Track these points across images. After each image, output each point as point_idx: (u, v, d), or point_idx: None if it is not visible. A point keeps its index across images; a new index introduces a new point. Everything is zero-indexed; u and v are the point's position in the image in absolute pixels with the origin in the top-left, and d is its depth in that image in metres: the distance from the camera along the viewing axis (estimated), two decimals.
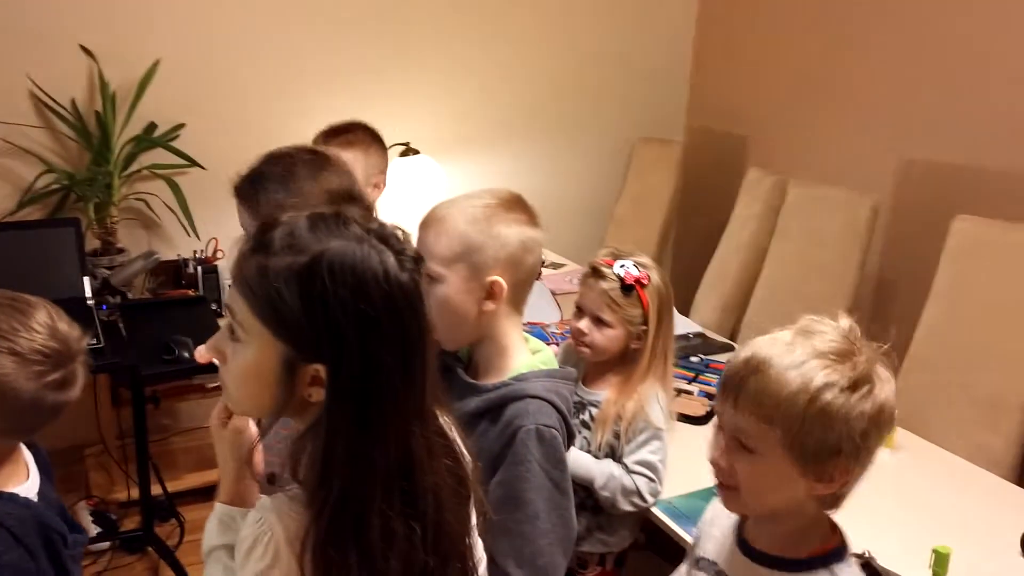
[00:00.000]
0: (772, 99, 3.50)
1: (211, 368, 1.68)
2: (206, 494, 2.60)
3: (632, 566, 1.89)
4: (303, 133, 2.09)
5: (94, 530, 2.56)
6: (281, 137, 1.60)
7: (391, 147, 3.24)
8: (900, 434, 1.95)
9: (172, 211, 2.92)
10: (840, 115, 3.19)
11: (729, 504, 1.07)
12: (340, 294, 0.86)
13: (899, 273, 2.93)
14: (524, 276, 1.32)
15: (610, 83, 3.75)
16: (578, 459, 1.66)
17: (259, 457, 1.10)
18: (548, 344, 1.50)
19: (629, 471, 1.67)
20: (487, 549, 1.11)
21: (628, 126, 3.80)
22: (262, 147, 1.46)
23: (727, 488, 1.04)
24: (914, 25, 2.89)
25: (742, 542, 1.11)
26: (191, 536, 2.58)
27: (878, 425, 0.98)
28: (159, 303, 2.68)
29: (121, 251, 2.81)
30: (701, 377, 2.28)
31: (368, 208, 1.49)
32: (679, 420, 1.92)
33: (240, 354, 0.92)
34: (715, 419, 1.06)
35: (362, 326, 0.86)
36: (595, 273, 1.75)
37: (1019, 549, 1.56)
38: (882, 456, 1.91)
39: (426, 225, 1.31)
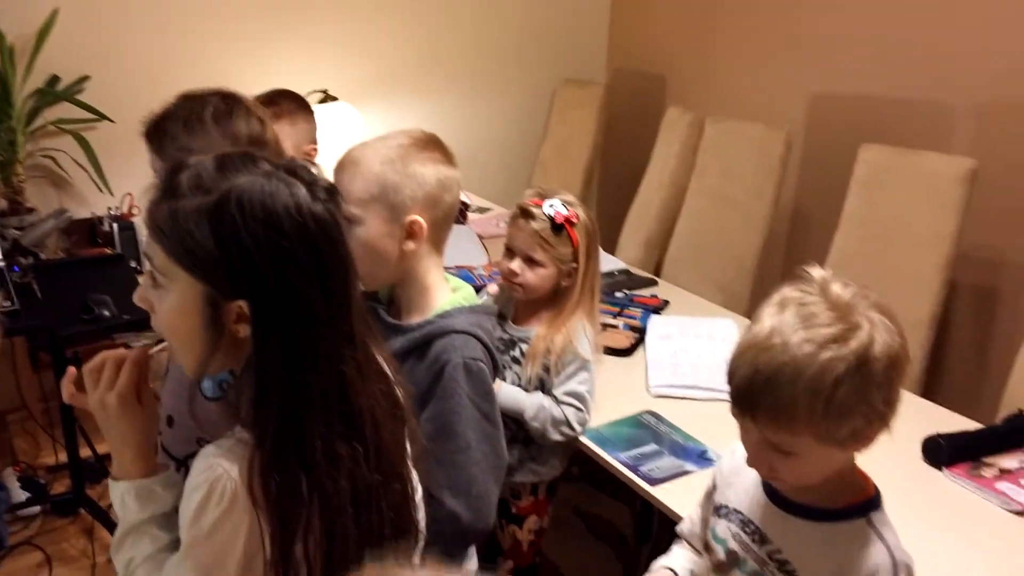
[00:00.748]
0: (688, 38, 3.54)
1: (131, 326, 1.65)
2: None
3: (566, 496, 1.97)
4: (215, 80, 2.03)
5: (23, 496, 2.51)
6: (191, 85, 1.55)
7: (308, 94, 3.18)
8: None
9: (82, 167, 2.81)
10: (752, 51, 3.26)
11: (777, 485, 1.06)
12: (252, 229, 0.87)
13: (813, 204, 3.04)
14: (443, 215, 1.33)
15: (531, 25, 3.73)
16: (508, 392, 1.70)
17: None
18: (476, 287, 1.52)
19: (558, 402, 1.73)
20: (421, 481, 1.15)
21: (550, 68, 3.80)
22: (172, 96, 1.41)
23: (772, 478, 1.04)
24: None
25: (772, 492, 1.09)
26: None
27: (894, 379, 0.96)
28: (74, 262, 2.60)
29: (31, 211, 2.71)
30: (626, 311, 2.34)
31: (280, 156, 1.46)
32: (605, 353, 1.98)
33: (165, 300, 0.93)
34: (739, 429, 1.03)
35: (277, 258, 0.88)
36: (524, 214, 1.77)
37: (921, 456, 1.68)
38: None
39: (341, 168, 1.31)
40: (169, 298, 0.92)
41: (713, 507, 1.19)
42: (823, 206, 2.79)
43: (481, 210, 3.27)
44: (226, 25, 3.07)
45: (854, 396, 0.93)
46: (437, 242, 1.35)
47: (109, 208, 2.85)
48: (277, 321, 0.89)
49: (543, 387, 1.76)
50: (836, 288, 0.98)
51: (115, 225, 2.74)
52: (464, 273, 2.50)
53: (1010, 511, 1.52)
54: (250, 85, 2.34)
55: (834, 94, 2.97)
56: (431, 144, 1.33)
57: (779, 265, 3.09)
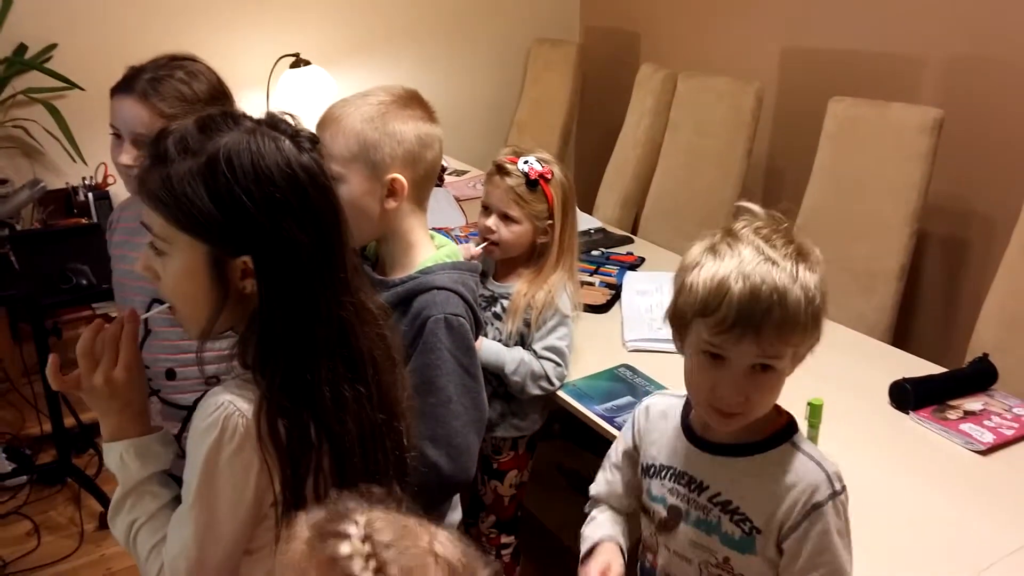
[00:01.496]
0: None
1: (110, 294, 1.66)
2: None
3: (548, 453, 2.01)
4: (184, 47, 2.01)
5: (8, 467, 2.53)
6: (159, 52, 1.55)
7: (280, 59, 3.16)
8: None
9: (54, 137, 2.79)
10: (724, 5, 3.26)
11: (728, 427, 1.05)
12: (244, 184, 0.90)
13: (785, 158, 3.07)
14: (424, 172, 1.35)
15: None
16: (489, 347, 1.73)
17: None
18: None
19: (538, 356, 1.76)
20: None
21: (523, 28, 3.78)
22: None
23: (730, 416, 1.03)
24: None
25: (697, 440, 1.11)
26: None
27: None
28: (50, 233, 2.60)
29: (4, 182, 2.69)
30: (602, 269, 2.38)
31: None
32: (583, 310, 2.01)
33: (169, 266, 0.95)
34: (715, 361, 1.01)
35: (273, 211, 0.91)
36: (499, 170, 1.79)
37: (887, 399, 1.73)
38: None
39: (322, 126, 1.32)
40: (173, 264, 0.95)
41: (641, 469, 1.19)
42: (796, 160, 2.82)
43: (458, 173, 3.27)
44: None
45: (822, 309, 1.00)
46: (420, 200, 1.36)
47: (84, 178, 2.84)
48: (280, 272, 0.93)
49: (523, 342, 1.79)
50: (763, 213, 1.05)
51: (90, 195, 2.73)
52: (442, 234, 2.51)
53: (973, 451, 1.58)
54: (220, 51, 2.33)
55: (805, 48, 2.98)
56: (412, 101, 1.34)
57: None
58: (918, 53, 2.60)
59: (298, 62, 3.23)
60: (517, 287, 1.80)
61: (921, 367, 1.87)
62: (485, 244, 1.80)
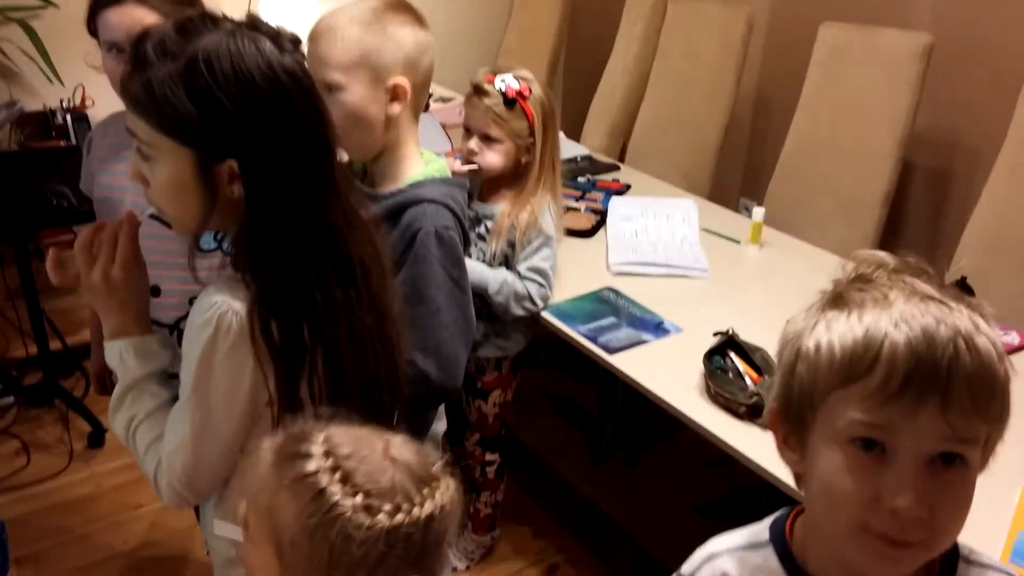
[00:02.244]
0: None
1: (90, 216, 1.66)
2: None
3: (534, 379, 2.02)
4: None
5: None
6: None
7: None
8: (766, 232, 2.11)
9: (31, 58, 2.72)
10: None
11: (899, 568, 0.68)
12: (225, 87, 0.89)
13: (775, 87, 3.03)
14: (423, 79, 1.33)
15: None
16: (473, 268, 1.73)
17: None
18: None
19: (521, 277, 1.77)
20: None
21: None
22: None
23: (905, 545, 0.65)
24: None
25: None
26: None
27: None
28: (29, 154, 2.56)
29: None
30: (588, 195, 2.37)
31: None
32: (567, 235, 2.01)
33: (157, 172, 0.95)
34: (872, 456, 0.65)
35: (255, 113, 0.91)
36: (477, 91, 1.78)
37: None
38: (747, 251, 2.09)
39: (316, 37, 1.29)
40: (160, 169, 0.94)
41: None
42: (785, 89, 2.79)
43: (444, 99, 3.23)
44: None
45: (1011, 377, 0.66)
46: (416, 109, 1.35)
47: (61, 100, 2.78)
48: (266, 175, 0.93)
49: (507, 263, 1.80)
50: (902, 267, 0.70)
51: (68, 117, 2.68)
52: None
53: None
54: None
55: None
56: (403, 7, 1.32)
57: (743, 149, 3.12)
58: None
59: None
60: (501, 207, 1.80)
61: None
62: (469, 166, 1.79)
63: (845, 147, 2.40)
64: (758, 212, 2.10)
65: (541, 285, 1.77)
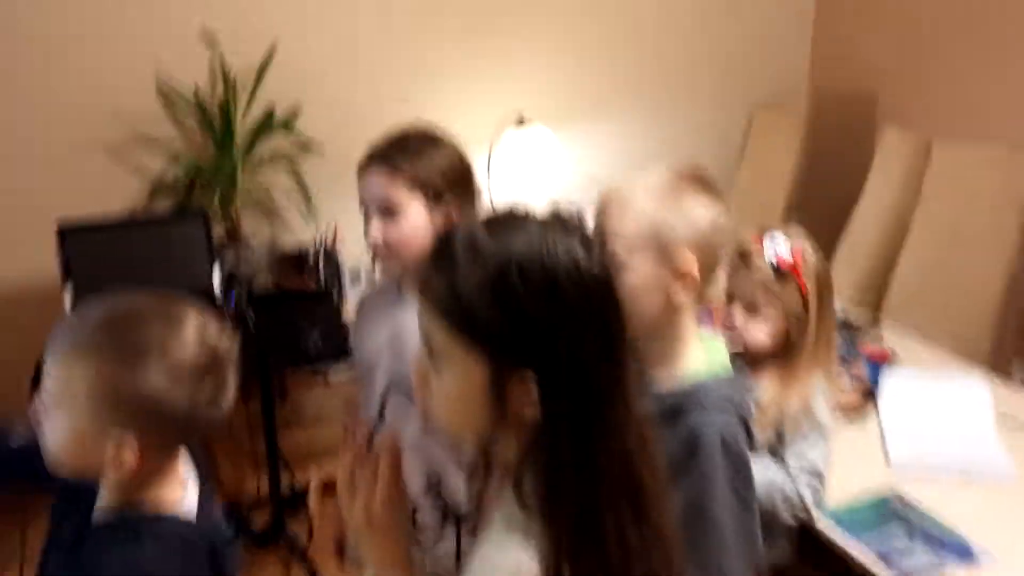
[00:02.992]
0: (901, 49, 3.20)
1: (332, 357, 1.68)
2: (332, 488, 2.62)
3: None
4: (414, 110, 1.99)
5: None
6: (393, 117, 1.56)
7: (504, 116, 3.17)
8: None
9: (290, 197, 2.92)
10: (979, 59, 2.89)
11: None
12: (535, 296, 0.82)
13: None
14: (713, 262, 1.20)
15: (725, 45, 3.54)
16: None
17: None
18: None
19: (790, 475, 1.55)
20: None
21: (746, 89, 3.60)
22: (374, 130, 1.47)
23: None
24: None
25: None
26: (319, 532, 2.58)
27: None
28: (283, 295, 2.69)
29: (244, 241, 2.82)
30: (849, 362, 2.11)
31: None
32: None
33: (446, 379, 0.87)
34: None
35: (563, 324, 0.82)
36: (743, 257, 1.63)
37: None
38: None
39: (605, 207, 1.21)
40: (450, 378, 0.87)
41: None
42: None
43: None
44: (422, 53, 3.10)
45: None
46: (701, 293, 1.21)
47: (315, 239, 2.93)
48: (566, 392, 0.83)
49: (772, 451, 1.59)
50: None
51: (321, 256, 2.81)
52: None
53: None
54: (446, 111, 2.32)
55: None
56: (700, 180, 1.21)
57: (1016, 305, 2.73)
58: None
59: (521, 120, 3.22)
60: (765, 388, 1.61)
61: None
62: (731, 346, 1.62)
63: None
64: None
65: (816, 489, 1.54)
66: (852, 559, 1.48)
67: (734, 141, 3.60)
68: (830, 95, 3.60)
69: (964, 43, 2.96)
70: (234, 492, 2.75)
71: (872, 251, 2.83)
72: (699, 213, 1.17)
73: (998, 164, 2.50)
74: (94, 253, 2.43)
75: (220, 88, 2.79)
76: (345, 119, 2.84)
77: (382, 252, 1.42)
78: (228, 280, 2.52)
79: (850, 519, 1.55)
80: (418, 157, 1.40)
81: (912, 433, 1.78)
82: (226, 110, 2.75)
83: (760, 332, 1.61)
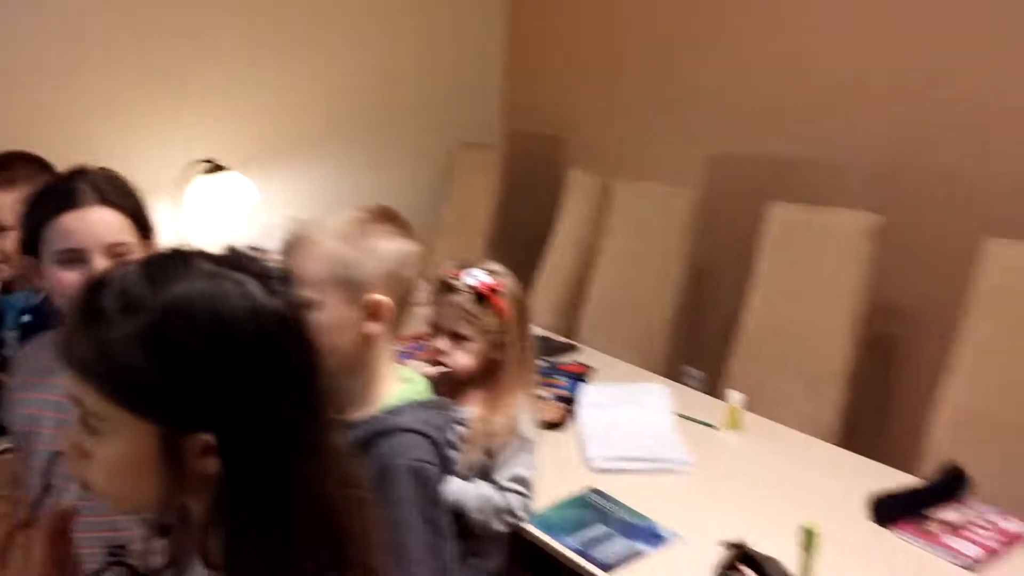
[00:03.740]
0: (585, 99, 3.59)
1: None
2: None
3: None
4: (84, 154, 1.86)
5: None
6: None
7: (191, 164, 3.04)
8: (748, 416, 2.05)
9: None
10: (648, 113, 3.32)
11: None
12: (204, 345, 0.73)
13: (720, 262, 3.08)
14: (405, 293, 1.23)
15: (424, 89, 3.70)
16: (455, 488, 1.58)
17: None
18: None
19: (500, 488, 1.62)
20: None
21: (445, 132, 3.77)
22: None
23: None
24: (719, 34, 3.06)
25: None
26: None
27: None
28: None
29: None
30: (551, 380, 2.28)
31: None
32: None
33: (107, 447, 0.75)
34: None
35: (240, 373, 0.74)
36: (445, 287, 1.69)
37: (867, 515, 1.67)
38: (726, 437, 2.01)
39: (291, 249, 1.19)
40: (110, 446, 0.75)
41: None
42: (731, 263, 2.84)
43: None
44: (96, 95, 2.90)
45: None
46: (395, 326, 1.24)
47: None
48: (249, 448, 0.75)
49: (485, 471, 1.65)
50: None
51: None
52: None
53: (961, 566, 1.52)
54: (126, 157, 2.18)
55: (734, 154, 3.05)
56: (387, 216, 1.23)
57: (693, 324, 3.11)
58: (844, 159, 2.68)
59: (214, 168, 3.10)
60: (472, 411, 1.68)
61: (883, 473, 1.85)
62: (438, 368, 1.68)
63: (802, 324, 2.40)
64: (735, 397, 2.04)
65: (524, 495, 1.63)
66: (559, 556, 1.57)
67: (437, 181, 3.75)
68: (523, 138, 3.89)
69: (633, 99, 3.38)
70: None
71: (566, 278, 3.08)
72: (387, 248, 1.19)
73: (664, 199, 2.85)
74: None
75: None
76: None
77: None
78: None
79: (554, 518, 1.66)
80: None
81: (606, 436, 1.95)
82: None
83: (464, 357, 1.67)
